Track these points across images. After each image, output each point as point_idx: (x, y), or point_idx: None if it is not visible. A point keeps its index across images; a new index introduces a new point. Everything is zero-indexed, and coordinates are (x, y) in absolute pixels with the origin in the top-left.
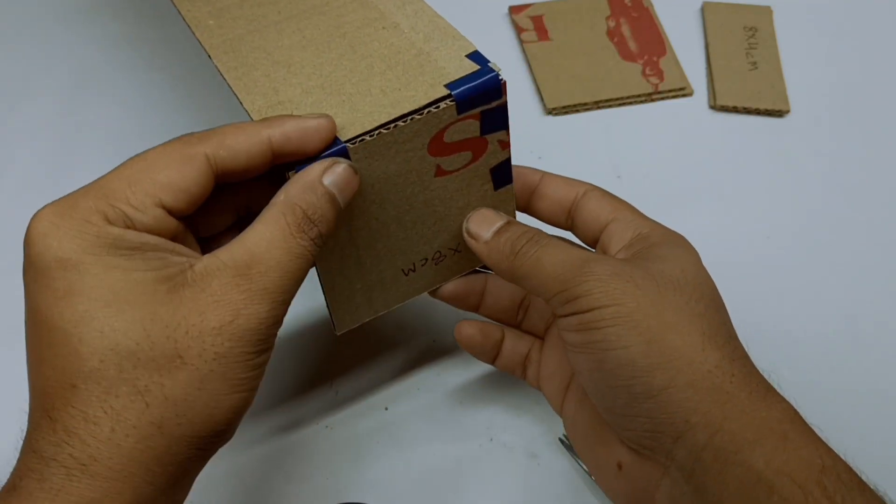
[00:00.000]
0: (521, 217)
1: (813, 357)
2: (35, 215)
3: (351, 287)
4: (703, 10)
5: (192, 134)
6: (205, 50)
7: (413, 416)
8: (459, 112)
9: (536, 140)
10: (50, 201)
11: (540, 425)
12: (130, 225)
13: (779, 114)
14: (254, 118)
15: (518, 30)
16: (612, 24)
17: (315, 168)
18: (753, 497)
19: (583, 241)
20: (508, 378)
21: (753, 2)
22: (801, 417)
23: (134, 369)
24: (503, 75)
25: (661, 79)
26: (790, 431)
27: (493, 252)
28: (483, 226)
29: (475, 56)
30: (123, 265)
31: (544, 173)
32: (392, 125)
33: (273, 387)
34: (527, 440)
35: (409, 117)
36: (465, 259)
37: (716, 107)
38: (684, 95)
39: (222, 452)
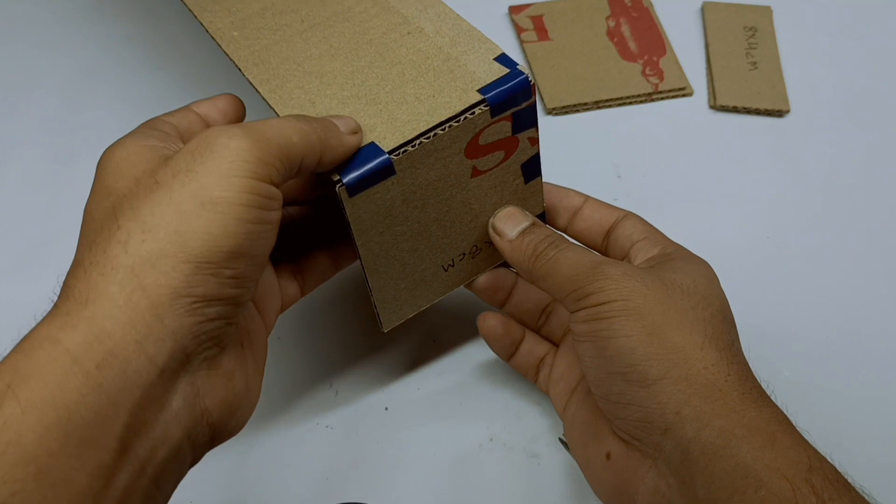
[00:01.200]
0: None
1: (813, 357)
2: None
3: (396, 287)
4: (703, 10)
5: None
6: (234, 63)
7: (413, 417)
8: (493, 115)
9: None
10: (49, 199)
11: (540, 425)
12: (174, 132)
13: (779, 114)
14: None
15: (518, 30)
16: (612, 24)
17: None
18: (741, 490)
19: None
20: (509, 378)
21: (753, 2)
22: (790, 423)
23: (121, 204)
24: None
25: (661, 79)
26: (779, 432)
27: (515, 251)
28: (509, 224)
29: (503, 59)
30: (144, 143)
31: (587, 197)
32: (432, 133)
33: (273, 387)
34: (527, 440)
35: (447, 125)
36: (497, 252)
37: (716, 107)
38: (684, 95)
39: (222, 452)
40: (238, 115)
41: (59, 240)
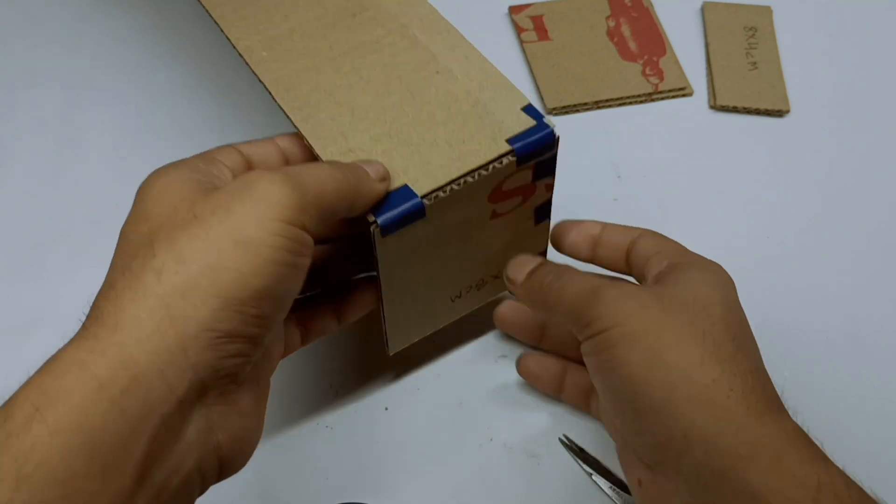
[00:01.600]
0: (586, 267)
1: (814, 357)
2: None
3: (407, 316)
4: (703, 10)
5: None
6: (263, 85)
7: (413, 416)
8: (518, 165)
9: None
10: (49, 199)
11: (540, 425)
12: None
13: (779, 114)
14: None
15: (518, 30)
16: (612, 24)
17: None
18: None
19: (637, 280)
20: (509, 379)
21: (753, 2)
22: (800, 434)
23: (157, 234)
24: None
25: (661, 79)
26: (785, 449)
27: (526, 292)
28: (519, 270)
29: (530, 110)
30: (185, 174)
31: (605, 224)
32: (462, 180)
33: (273, 387)
34: (527, 440)
35: (477, 172)
36: (500, 285)
37: (716, 107)
38: (684, 95)
39: None
40: (280, 161)
41: (60, 239)
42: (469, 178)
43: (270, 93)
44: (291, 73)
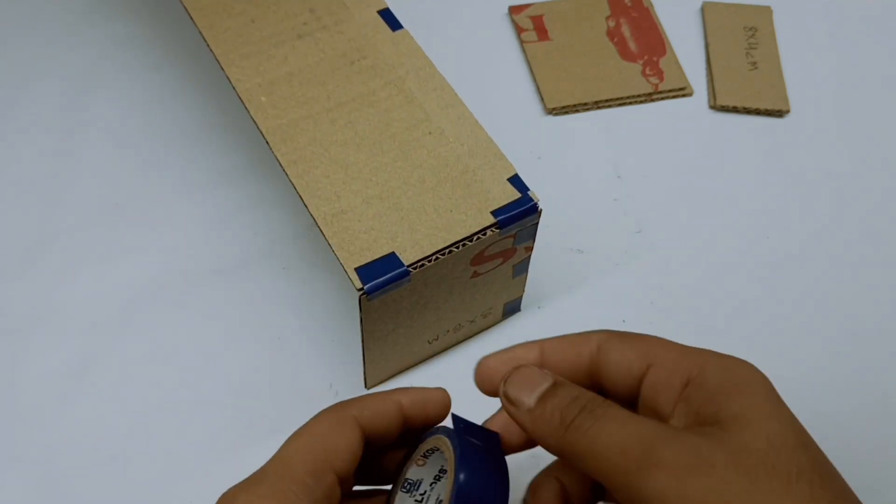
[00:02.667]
0: None
1: (814, 357)
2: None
3: (386, 356)
4: (703, 10)
5: (338, 403)
6: (261, 133)
7: None
8: (501, 235)
9: (536, 140)
10: (49, 199)
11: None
12: (310, 493)
13: (779, 114)
14: (319, 224)
15: (518, 30)
16: (612, 24)
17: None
18: None
19: (621, 404)
20: None
21: (753, 2)
22: None
23: None
24: (503, 78)
25: (661, 79)
26: None
27: (538, 423)
28: (524, 390)
29: (515, 181)
30: None
31: (542, 343)
32: (447, 250)
33: (273, 387)
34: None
35: (462, 244)
36: (476, 326)
37: (716, 107)
38: (684, 95)
39: (223, 453)
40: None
41: (59, 239)
42: (454, 249)
43: (268, 142)
44: (289, 122)
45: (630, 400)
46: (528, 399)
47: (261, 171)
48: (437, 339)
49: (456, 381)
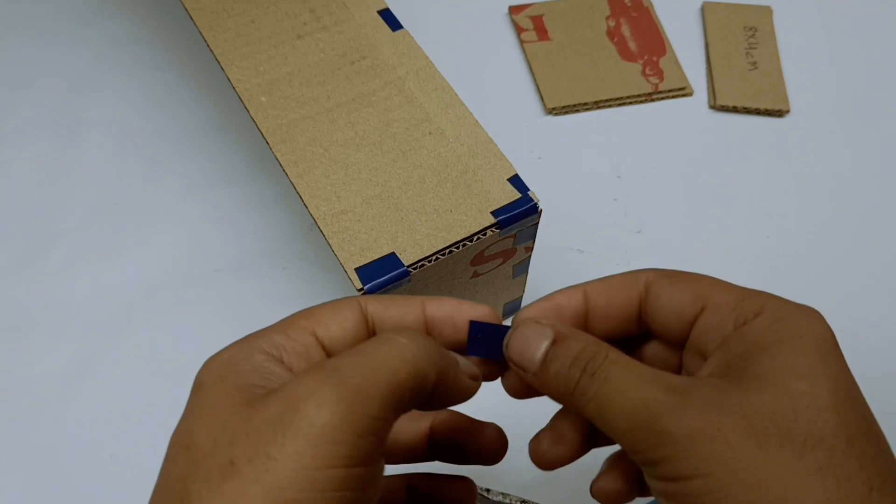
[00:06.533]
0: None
1: None
2: (204, 365)
3: None
4: (703, 9)
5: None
6: (261, 133)
7: None
8: (502, 235)
9: (536, 140)
10: (49, 199)
11: (540, 426)
12: (279, 350)
13: (779, 114)
14: (319, 224)
15: (518, 30)
16: (612, 24)
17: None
18: None
19: (673, 346)
20: None
21: (753, 2)
22: None
23: (192, 483)
24: (503, 78)
25: (661, 79)
26: None
27: (546, 387)
28: (526, 354)
29: (515, 181)
30: (230, 378)
31: (586, 287)
32: (447, 251)
33: None
34: (527, 440)
35: (462, 244)
36: None
37: (716, 107)
38: (684, 95)
39: None
40: (356, 328)
41: (60, 239)
42: (454, 249)
43: (268, 142)
44: (289, 122)
45: (680, 342)
46: (531, 364)
47: (261, 171)
48: None
49: None
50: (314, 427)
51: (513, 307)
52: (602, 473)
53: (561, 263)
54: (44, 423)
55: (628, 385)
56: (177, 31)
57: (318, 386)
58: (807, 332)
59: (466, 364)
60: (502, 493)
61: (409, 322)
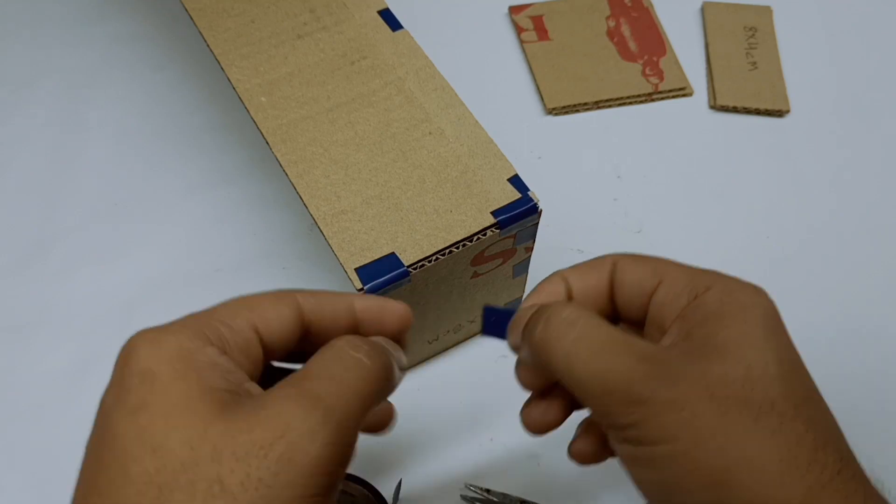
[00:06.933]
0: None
1: (814, 357)
2: (135, 333)
3: None
4: (703, 10)
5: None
6: (261, 133)
7: (413, 417)
8: (502, 235)
9: (536, 140)
10: (49, 199)
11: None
12: (224, 346)
13: (779, 114)
14: (319, 224)
15: (518, 30)
16: (612, 24)
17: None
18: None
19: (633, 321)
20: (509, 379)
21: (753, 2)
22: None
23: (172, 492)
24: (503, 78)
25: (661, 79)
26: None
27: (533, 355)
28: (515, 330)
29: (516, 181)
30: (193, 377)
31: (561, 276)
32: (447, 251)
33: None
34: (527, 440)
35: (462, 244)
36: (476, 327)
37: (716, 107)
38: (684, 95)
39: None
40: (292, 321)
41: (60, 239)
42: (454, 249)
43: (268, 143)
44: (289, 122)
45: (641, 321)
46: (515, 338)
47: (261, 171)
48: (436, 340)
49: (454, 381)
50: (307, 458)
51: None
52: (578, 437)
53: (561, 263)
54: (44, 423)
55: (598, 347)
56: (177, 29)
57: (307, 416)
58: (754, 303)
59: (401, 360)
60: (502, 494)
61: (342, 319)
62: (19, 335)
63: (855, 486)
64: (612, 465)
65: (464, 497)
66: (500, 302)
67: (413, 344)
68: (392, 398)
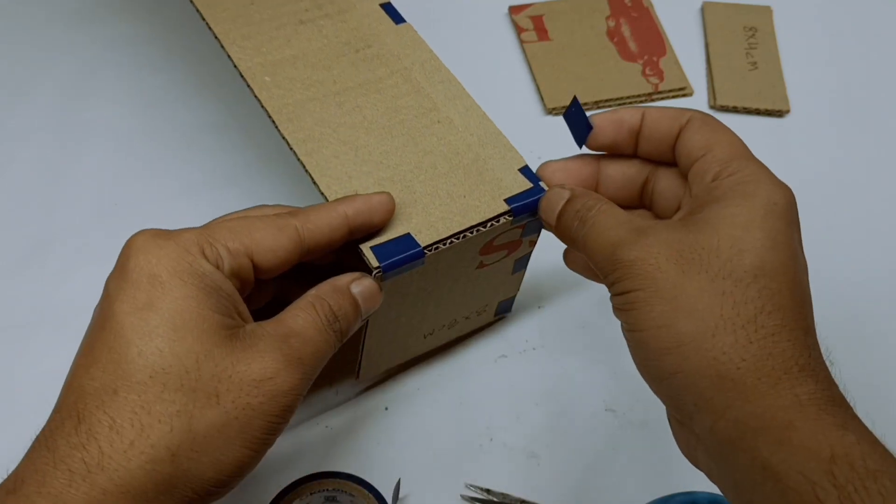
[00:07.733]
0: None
1: None
2: (139, 231)
3: (381, 350)
4: (703, 10)
5: (283, 209)
6: (266, 111)
7: (413, 417)
8: (514, 223)
9: (536, 140)
10: (49, 199)
11: (540, 425)
12: (220, 265)
13: (779, 114)
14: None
15: (518, 30)
16: (612, 24)
17: (345, 276)
18: (760, 484)
19: (685, 179)
20: (509, 379)
21: (753, 2)
22: (819, 399)
23: (174, 392)
24: (503, 78)
25: (661, 79)
26: (797, 419)
27: (562, 235)
28: (549, 210)
29: (526, 171)
30: (200, 297)
31: (645, 110)
32: (461, 235)
33: None
34: (527, 440)
35: (476, 228)
36: (470, 323)
37: (716, 107)
38: (684, 95)
39: None
40: (290, 245)
41: (60, 239)
42: (468, 234)
43: (274, 121)
44: (294, 103)
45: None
46: (552, 218)
47: (261, 172)
48: (431, 334)
49: (454, 381)
50: (285, 399)
51: (505, 307)
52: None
53: (561, 263)
54: (44, 423)
55: (605, 227)
56: (176, 31)
57: (292, 372)
58: (762, 194)
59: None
60: (502, 494)
61: (338, 231)
62: (19, 335)
63: (784, 347)
64: (612, 466)
65: (464, 497)
66: (495, 300)
67: (409, 338)
68: (392, 398)
